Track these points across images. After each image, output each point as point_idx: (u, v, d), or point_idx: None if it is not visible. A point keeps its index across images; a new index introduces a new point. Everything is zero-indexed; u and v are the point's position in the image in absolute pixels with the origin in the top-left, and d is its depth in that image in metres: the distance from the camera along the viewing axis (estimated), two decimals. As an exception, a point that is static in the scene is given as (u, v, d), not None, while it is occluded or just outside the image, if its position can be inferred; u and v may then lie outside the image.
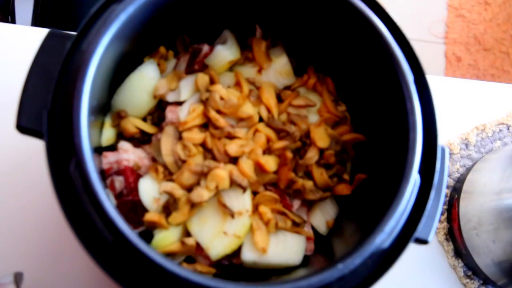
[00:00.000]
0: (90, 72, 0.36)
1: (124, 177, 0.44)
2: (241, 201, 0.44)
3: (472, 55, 1.59)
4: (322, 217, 0.48)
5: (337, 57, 0.48)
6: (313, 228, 0.48)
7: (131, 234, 0.33)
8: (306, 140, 0.48)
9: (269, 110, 0.48)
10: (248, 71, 0.50)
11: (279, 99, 0.50)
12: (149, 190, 0.44)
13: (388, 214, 0.36)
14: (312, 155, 0.47)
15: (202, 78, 0.47)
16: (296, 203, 0.48)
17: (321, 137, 0.48)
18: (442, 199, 0.40)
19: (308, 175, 0.48)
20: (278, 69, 0.50)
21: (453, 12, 1.63)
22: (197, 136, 0.45)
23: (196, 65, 0.48)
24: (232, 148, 0.45)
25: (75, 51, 0.38)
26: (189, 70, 0.48)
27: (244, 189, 0.44)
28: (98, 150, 0.44)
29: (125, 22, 0.38)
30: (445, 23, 1.62)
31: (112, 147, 0.45)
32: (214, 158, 0.45)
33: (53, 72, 0.37)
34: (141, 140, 0.46)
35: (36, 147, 0.43)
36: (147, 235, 0.43)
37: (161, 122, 0.47)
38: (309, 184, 0.47)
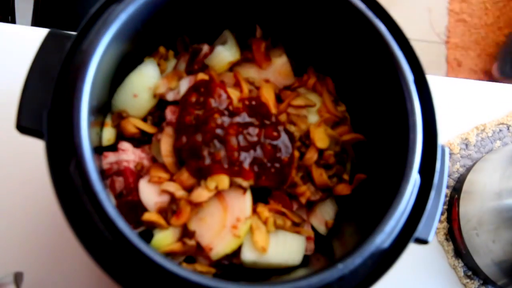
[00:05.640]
0: (90, 72, 0.36)
1: (124, 178, 0.44)
2: (241, 202, 0.44)
3: (473, 60, 1.59)
4: (322, 217, 0.49)
5: (337, 57, 0.48)
6: (313, 228, 0.48)
7: (131, 234, 0.33)
8: (305, 141, 0.48)
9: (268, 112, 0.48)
10: (248, 71, 0.50)
11: (279, 99, 0.50)
12: (149, 191, 0.44)
13: (388, 214, 0.36)
14: (311, 156, 0.47)
15: (202, 78, 0.47)
16: (296, 203, 0.48)
17: (320, 138, 0.48)
18: (442, 199, 0.40)
19: (308, 175, 0.48)
20: (277, 69, 0.50)
21: (454, 17, 1.63)
22: (197, 136, 0.45)
23: (196, 65, 0.48)
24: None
25: (75, 51, 0.38)
26: (189, 70, 0.48)
27: (244, 189, 0.44)
28: (98, 150, 0.44)
29: (125, 22, 0.38)
30: (446, 28, 1.62)
31: (112, 147, 0.45)
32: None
33: (53, 72, 0.37)
34: (141, 140, 0.46)
35: (36, 147, 0.43)
36: (147, 235, 0.43)
37: (161, 122, 0.47)
38: (311, 189, 0.47)
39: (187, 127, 0.43)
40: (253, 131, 0.44)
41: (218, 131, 0.43)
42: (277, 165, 0.45)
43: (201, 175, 0.43)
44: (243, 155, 0.44)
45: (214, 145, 0.43)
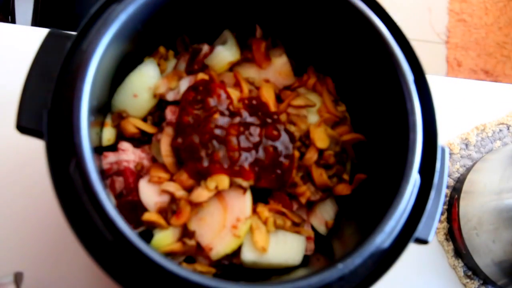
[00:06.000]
0: (90, 72, 0.36)
1: (124, 178, 0.44)
2: (241, 202, 0.44)
3: (473, 60, 1.59)
4: (322, 217, 0.49)
5: (337, 57, 0.48)
6: (313, 228, 0.48)
7: (131, 234, 0.33)
8: (305, 141, 0.48)
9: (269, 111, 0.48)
10: (248, 71, 0.50)
11: (279, 99, 0.50)
12: (149, 191, 0.44)
13: (388, 214, 0.36)
14: (311, 156, 0.47)
15: (202, 78, 0.47)
16: (296, 203, 0.48)
17: (320, 138, 0.48)
18: (442, 199, 0.40)
19: (308, 175, 0.48)
20: (277, 69, 0.50)
21: (454, 16, 1.63)
22: (197, 136, 0.45)
23: (196, 65, 0.48)
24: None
25: (75, 51, 0.38)
26: (189, 70, 0.48)
27: (244, 189, 0.44)
28: (98, 150, 0.44)
29: (125, 22, 0.38)
30: (447, 28, 1.62)
31: (112, 147, 0.45)
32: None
33: (53, 72, 0.37)
34: (141, 140, 0.46)
35: (36, 147, 0.43)
36: (147, 235, 0.43)
37: (161, 122, 0.47)
38: (311, 189, 0.47)
39: (185, 127, 0.43)
40: (255, 131, 0.44)
41: (217, 131, 0.43)
42: (278, 170, 0.45)
43: (200, 176, 0.43)
44: (244, 155, 0.44)
45: (213, 146, 0.43)
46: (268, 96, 0.48)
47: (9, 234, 0.53)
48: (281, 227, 0.45)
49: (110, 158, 0.44)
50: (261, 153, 0.44)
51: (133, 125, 0.45)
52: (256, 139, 0.44)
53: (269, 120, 0.45)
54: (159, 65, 0.48)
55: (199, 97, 0.44)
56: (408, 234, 0.38)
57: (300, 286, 0.34)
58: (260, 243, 0.43)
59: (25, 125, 0.37)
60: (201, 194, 0.43)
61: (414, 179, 0.37)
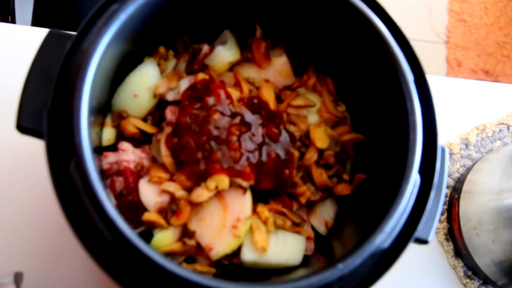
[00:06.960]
0: (90, 72, 0.36)
1: (124, 178, 0.44)
2: (241, 202, 0.44)
3: (473, 60, 1.59)
4: (322, 217, 0.49)
5: (337, 57, 0.48)
6: (313, 228, 0.48)
7: (131, 234, 0.33)
8: (305, 141, 0.48)
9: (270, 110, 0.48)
10: (248, 71, 0.50)
11: (279, 99, 0.50)
12: (149, 191, 0.44)
13: (388, 214, 0.36)
14: (311, 156, 0.47)
15: (202, 78, 0.47)
16: (296, 203, 0.48)
17: (320, 138, 0.48)
18: (442, 199, 0.40)
19: (308, 175, 0.48)
20: (277, 69, 0.50)
21: (454, 17, 1.63)
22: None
23: (196, 65, 0.48)
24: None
25: (75, 51, 0.38)
26: (189, 70, 0.48)
27: (244, 189, 0.44)
28: (98, 150, 0.44)
29: (125, 22, 0.38)
30: (447, 28, 1.62)
31: (112, 147, 0.45)
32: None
33: (53, 72, 0.37)
34: (141, 140, 0.46)
35: (36, 147, 0.43)
36: (147, 235, 0.43)
37: (161, 122, 0.47)
38: (311, 189, 0.47)
39: (182, 128, 0.43)
40: (257, 130, 0.44)
41: (216, 132, 0.43)
42: (278, 177, 0.45)
43: (200, 179, 0.43)
44: (246, 155, 0.44)
45: (211, 147, 0.43)
46: (268, 96, 0.48)
47: (9, 234, 0.53)
48: (281, 227, 0.45)
49: (110, 158, 0.44)
50: (263, 157, 0.44)
51: (133, 125, 0.45)
52: (259, 139, 0.44)
53: (272, 118, 0.45)
54: (159, 65, 0.48)
55: (195, 95, 0.44)
56: (408, 234, 0.38)
57: (300, 286, 0.34)
58: (260, 243, 0.43)
59: (25, 125, 0.37)
60: (201, 194, 0.43)
61: (414, 179, 0.37)
